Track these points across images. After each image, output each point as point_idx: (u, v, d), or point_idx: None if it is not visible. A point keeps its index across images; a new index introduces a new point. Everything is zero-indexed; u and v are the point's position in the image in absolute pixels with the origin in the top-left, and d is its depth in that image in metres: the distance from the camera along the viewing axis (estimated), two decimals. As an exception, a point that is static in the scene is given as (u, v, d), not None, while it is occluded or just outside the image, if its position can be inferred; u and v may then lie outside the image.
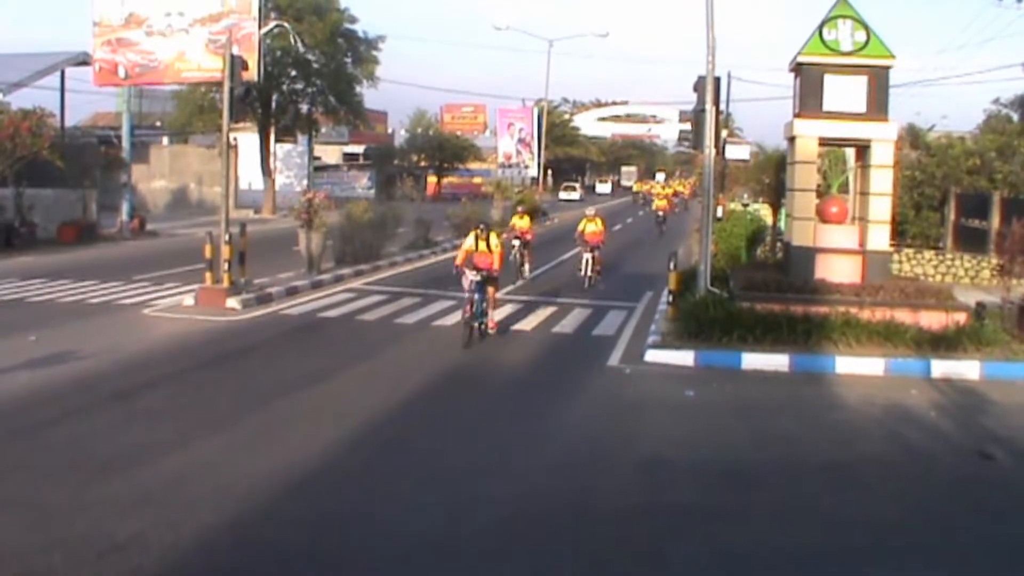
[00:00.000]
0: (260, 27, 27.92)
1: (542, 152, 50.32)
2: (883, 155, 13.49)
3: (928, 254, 21.04)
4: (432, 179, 63.97)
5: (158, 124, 47.71)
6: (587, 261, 18.90)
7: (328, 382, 10.37)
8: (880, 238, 13.57)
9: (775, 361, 11.44)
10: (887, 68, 13.42)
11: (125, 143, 30.66)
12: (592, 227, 19.41)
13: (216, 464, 7.32)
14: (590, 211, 20.34)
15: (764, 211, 26.66)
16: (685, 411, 9.76)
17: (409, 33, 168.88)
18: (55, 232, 25.20)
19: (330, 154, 63.79)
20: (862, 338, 11.91)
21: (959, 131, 28.55)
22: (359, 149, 64.88)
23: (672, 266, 13.97)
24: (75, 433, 8.08)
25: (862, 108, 13.32)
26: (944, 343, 11.82)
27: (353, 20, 41.51)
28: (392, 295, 16.79)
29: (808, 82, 13.52)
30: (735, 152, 29.64)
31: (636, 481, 7.36)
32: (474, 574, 5.70)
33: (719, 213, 23.61)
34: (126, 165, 30.28)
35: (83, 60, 32.02)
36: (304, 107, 43.11)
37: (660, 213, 37.48)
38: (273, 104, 40.87)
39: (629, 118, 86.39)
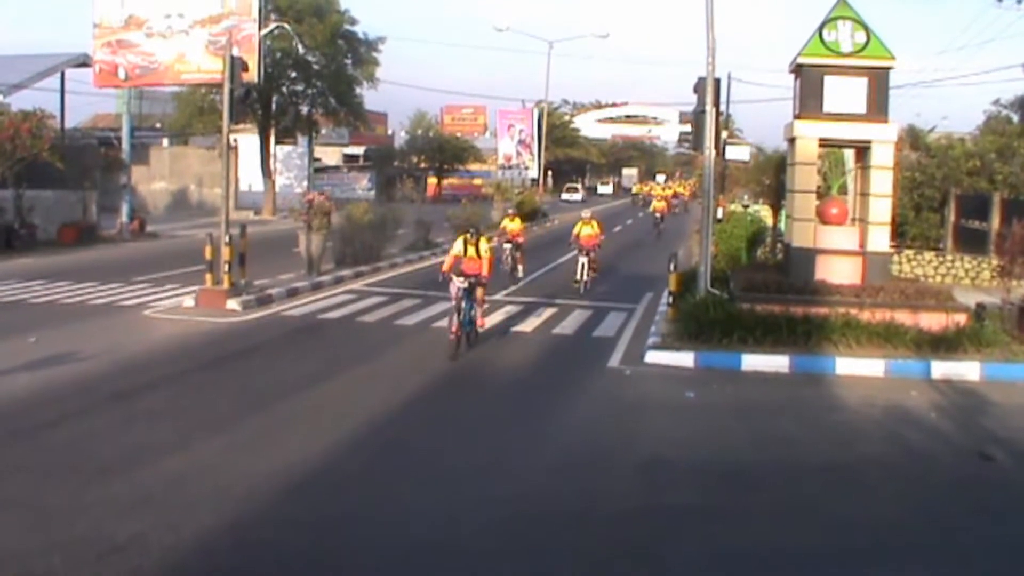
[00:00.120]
0: (260, 28, 27.96)
1: (542, 153, 50.41)
2: (883, 156, 13.49)
3: (928, 255, 21.04)
4: (432, 180, 64.01)
5: (158, 126, 47.74)
6: (583, 265, 18.36)
7: (328, 383, 10.37)
8: (880, 239, 13.56)
9: (775, 362, 11.43)
10: (887, 69, 13.42)
11: (125, 144, 30.70)
12: (588, 230, 18.93)
13: (216, 465, 7.32)
14: (586, 213, 19.94)
15: (764, 212, 26.67)
16: (685, 412, 9.75)
17: (409, 34, 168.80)
18: (55, 234, 25.21)
19: (330, 155, 63.84)
20: (862, 339, 11.90)
21: (959, 132, 28.61)
22: (359, 150, 64.91)
23: (672, 267, 13.97)
24: (75, 434, 8.09)
25: (862, 109, 13.32)
26: (944, 344, 11.81)
27: (353, 22, 41.60)
28: (392, 297, 16.79)
29: (808, 83, 13.52)
30: (735, 153, 29.58)
31: (636, 482, 7.36)
32: (474, 575, 5.70)
33: (719, 214, 23.61)
34: (126, 166, 30.31)
35: (83, 62, 32.07)
36: (304, 108, 43.13)
37: (658, 215, 37.09)
38: (273, 105, 40.90)
39: (629, 119, 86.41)
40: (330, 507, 6.59)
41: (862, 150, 14.02)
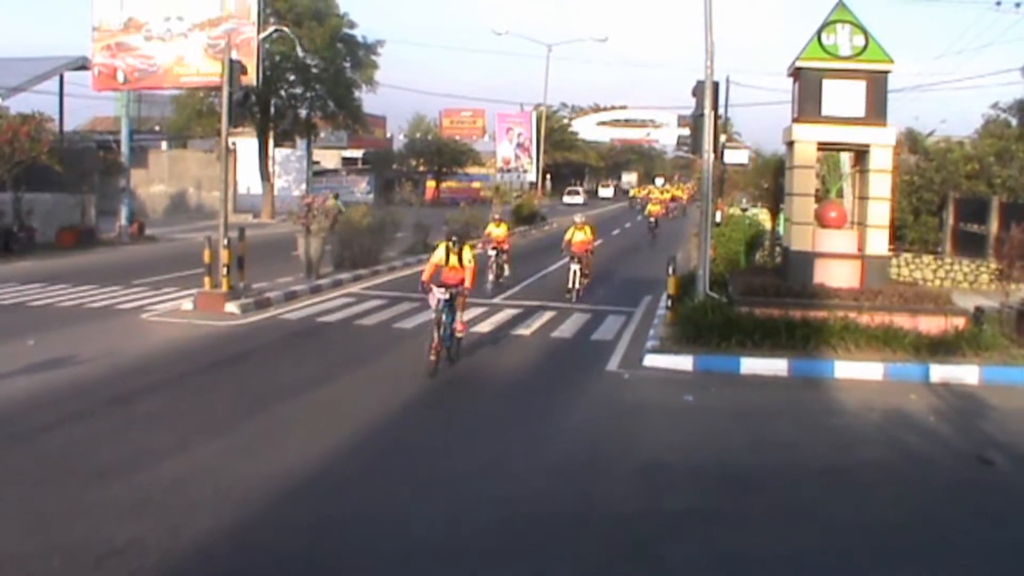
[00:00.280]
0: (259, 32, 27.95)
1: (541, 157, 50.41)
2: (882, 160, 13.51)
3: (927, 259, 21.05)
4: (431, 184, 64.07)
5: (157, 128, 47.79)
6: (574, 273, 17.64)
7: (327, 386, 10.37)
8: (879, 243, 13.58)
9: (774, 366, 11.44)
10: (886, 73, 13.45)
11: (124, 147, 30.71)
12: (580, 236, 18.42)
13: (215, 468, 7.31)
14: (579, 218, 19.28)
15: (763, 216, 26.69)
16: (684, 415, 9.75)
17: (408, 38, 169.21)
18: (54, 237, 25.21)
19: (329, 159, 63.92)
20: (861, 343, 11.91)
21: (958, 136, 28.66)
22: (358, 154, 64.98)
23: (671, 271, 13.98)
24: (73, 437, 8.07)
25: (861, 113, 13.33)
26: (943, 348, 11.82)
27: (352, 25, 41.66)
28: (391, 300, 16.79)
29: (807, 87, 13.54)
30: (734, 157, 29.67)
31: (635, 485, 7.36)
32: (473, 578, 5.70)
33: (718, 218, 23.63)
34: (125, 169, 30.33)
35: (82, 64, 32.02)
36: (303, 112, 43.13)
37: (652, 219, 36.39)
38: (272, 109, 40.93)
39: (628, 123, 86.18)
40: (329, 509, 6.58)
41: (860, 154, 14.03)
